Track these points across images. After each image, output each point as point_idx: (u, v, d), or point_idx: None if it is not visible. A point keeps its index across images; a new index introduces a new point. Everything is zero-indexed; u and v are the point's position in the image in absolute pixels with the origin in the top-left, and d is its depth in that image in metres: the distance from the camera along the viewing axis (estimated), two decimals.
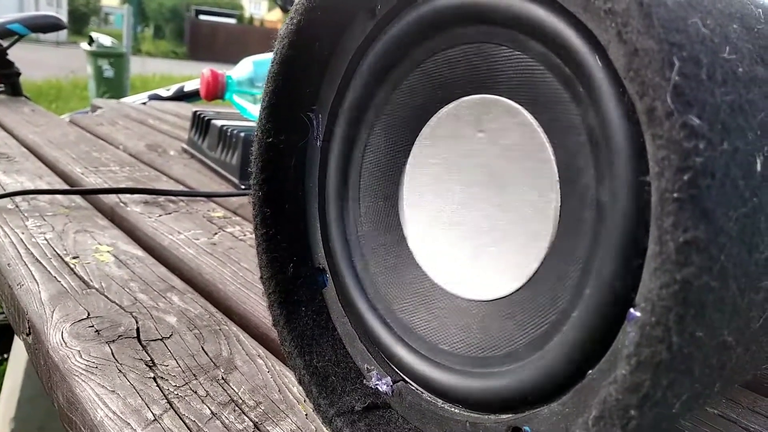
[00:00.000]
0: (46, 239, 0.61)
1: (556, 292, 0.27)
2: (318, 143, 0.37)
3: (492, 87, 0.29)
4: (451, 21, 0.29)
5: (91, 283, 0.52)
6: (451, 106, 0.31)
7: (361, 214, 0.36)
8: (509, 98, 0.28)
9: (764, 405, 0.42)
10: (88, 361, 0.41)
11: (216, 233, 0.67)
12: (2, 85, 1.57)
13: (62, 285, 0.51)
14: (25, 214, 0.68)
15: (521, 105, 0.28)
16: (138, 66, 8.24)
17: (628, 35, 0.19)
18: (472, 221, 0.31)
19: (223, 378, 0.40)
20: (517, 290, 0.29)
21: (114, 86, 5.11)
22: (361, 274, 0.36)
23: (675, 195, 0.18)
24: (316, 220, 0.38)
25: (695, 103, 0.18)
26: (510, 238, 0.30)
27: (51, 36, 14.72)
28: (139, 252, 0.61)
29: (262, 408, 0.37)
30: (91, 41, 5.25)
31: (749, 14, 0.26)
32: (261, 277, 0.38)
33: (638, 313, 0.20)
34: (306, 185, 0.38)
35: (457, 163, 0.32)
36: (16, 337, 1.08)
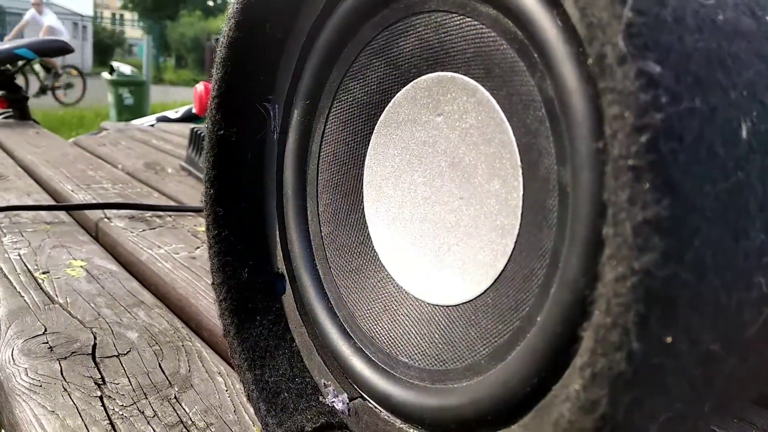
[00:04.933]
0: (19, 255, 0.59)
1: (522, 294, 0.23)
2: (276, 136, 0.34)
3: (447, 63, 0.26)
4: None
5: (56, 298, 0.49)
6: (407, 87, 0.28)
7: (319, 213, 0.32)
8: (465, 74, 0.25)
9: None
10: (33, 379, 0.37)
11: (198, 247, 0.64)
12: (11, 109, 1.58)
13: (24, 300, 0.49)
14: (4, 230, 0.66)
15: (478, 81, 0.24)
16: (160, 94, 8.36)
17: None
18: (436, 217, 0.28)
19: (175, 397, 0.37)
20: (483, 293, 0.26)
21: (134, 114, 5.18)
22: (322, 278, 0.33)
23: (630, 162, 0.14)
24: (275, 220, 0.35)
25: (655, 46, 0.15)
26: (476, 234, 0.26)
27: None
28: (114, 267, 0.58)
29: (213, 429, 0.34)
30: (111, 70, 5.33)
31: None
32: (212, 283, 0.34)
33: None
34: (265, 182, 0.35)
35: (417, 153, 0.28)
36: None
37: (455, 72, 0.26)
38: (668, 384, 0.17)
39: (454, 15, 0.25)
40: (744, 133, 0.17)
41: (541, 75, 0.21)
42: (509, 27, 0.22)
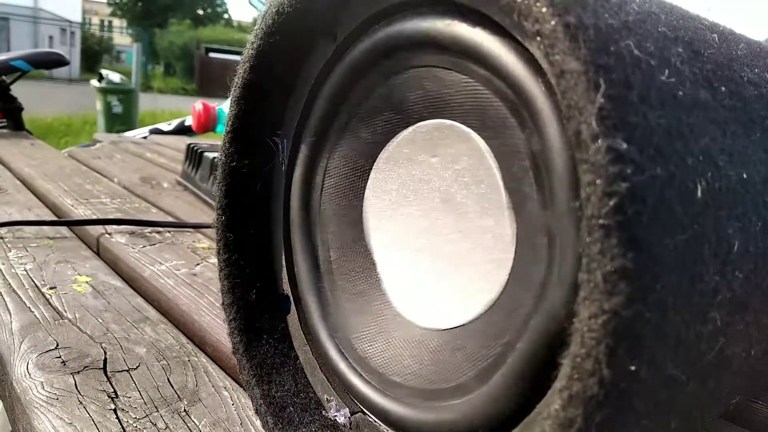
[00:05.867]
0: (26, 270, 0.61)
1: (508, 321, 0.26)
2: (283, 168, 0.37)
3: (446, 112, 0.29)
4: (403, 46, 0.29)
5: (65, 314, 0.52)
6: (408, 130, 0.31)
7: (328, 240, 0.35)
8: (462, 123, 0.28)
9: None
10: (49, 392, 0.40)
11: (198, 264, 0.67)
12: (5, 120, 1.59)
13: (35, 315, 0.51)
14: (9, 245, 0.68)
15: (474, 130, 0.28)
16: (148, 102, 8.35)
17: (554, 57, 0.19)
18: (434, 247, 0.31)
19: (185, 410, 0.39)
20: (473, 320, 0.28)
21: (123, 122, 5.17)
22: (327, 300, 0.35)
23: (600, 221, 0.18)
24: (281, 245, 0.38)
25: (623, 126, 0.18)
26: (472, 264, 0.29)
27: (63, 73, 14.97)
28: (118, 283, 0.60)
29: None
30: (100, 78, 5.33)
31: (700, 39, 0.25)
32: (222, 303, 0.37)
33: None
34: (272, 210, 0.38)
35: (413, 189, 0.31)
36: None
37: (453, 120, 0.29)
38: (635, 404, 0.20)
39: (450, 71, 0.28)
40: (699, 193, 0.20)
41: (530, 132, 0.24)
42: (501, 87, 0.25)
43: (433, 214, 0.30)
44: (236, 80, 0.35)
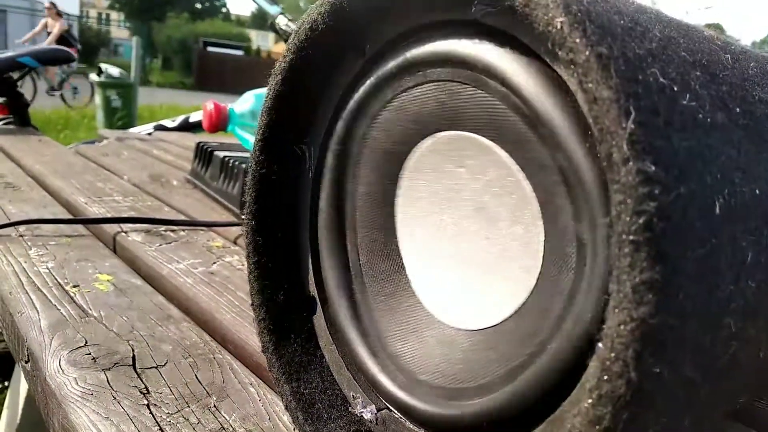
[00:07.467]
0: (48, 268, 0.62)
1: (539, 323, 0.28)
2: (310, 175, 0.39)
3: (463, 124, 0.30)
4: (428, 62, 0.30)
5: (90, 312, 0.53)
6: (429, 140, 0.33)
7: (358, 244, 0.37)
8: (480, 135, 0.30)
9: None
10: (83, 388, 0.41)
11: (214, 262, 0.68)
12: (12, 116, 1.60)
13: (62, 313, 0.52)
14: (29, 243, 0.69)
15: (494, 142, 0.29)
16: (146, 96, 8.34)
17: (587, 85, 0.20)
18: (464, 253, 0.33)
19: (215, 406, 0.41)
20: (504, 321, 0.30)
21: (122, 116, 5.18)
22: (356, 301, 0.37)
23: (631, 237, 0.19)
24: (308, 249, 0.39)
25: (651, 150, 0.20)
26: (500, 270, 0.31)
27: (62, 67, 14.91)
28: (138, 281, 0.62)
29: None
30: (99, 72, 5.33)
31: (716, 61, 0.27)
32: (252, 304, 0.39)
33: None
34: (299, 215, 0.40)
35: (446, 197, 0.33)
36: (16, 366, 1.08)
37: (471, 132, 0.31)
38: (657, 404, 0.21)
39: (466, 86, 0.29)
40: (717, 209, 0.22)
41: (552, 148, 0.25)
42: (518, 103, 0.27)
43: (464, 222, 0.32)
44: (268, 91, 0.36)
